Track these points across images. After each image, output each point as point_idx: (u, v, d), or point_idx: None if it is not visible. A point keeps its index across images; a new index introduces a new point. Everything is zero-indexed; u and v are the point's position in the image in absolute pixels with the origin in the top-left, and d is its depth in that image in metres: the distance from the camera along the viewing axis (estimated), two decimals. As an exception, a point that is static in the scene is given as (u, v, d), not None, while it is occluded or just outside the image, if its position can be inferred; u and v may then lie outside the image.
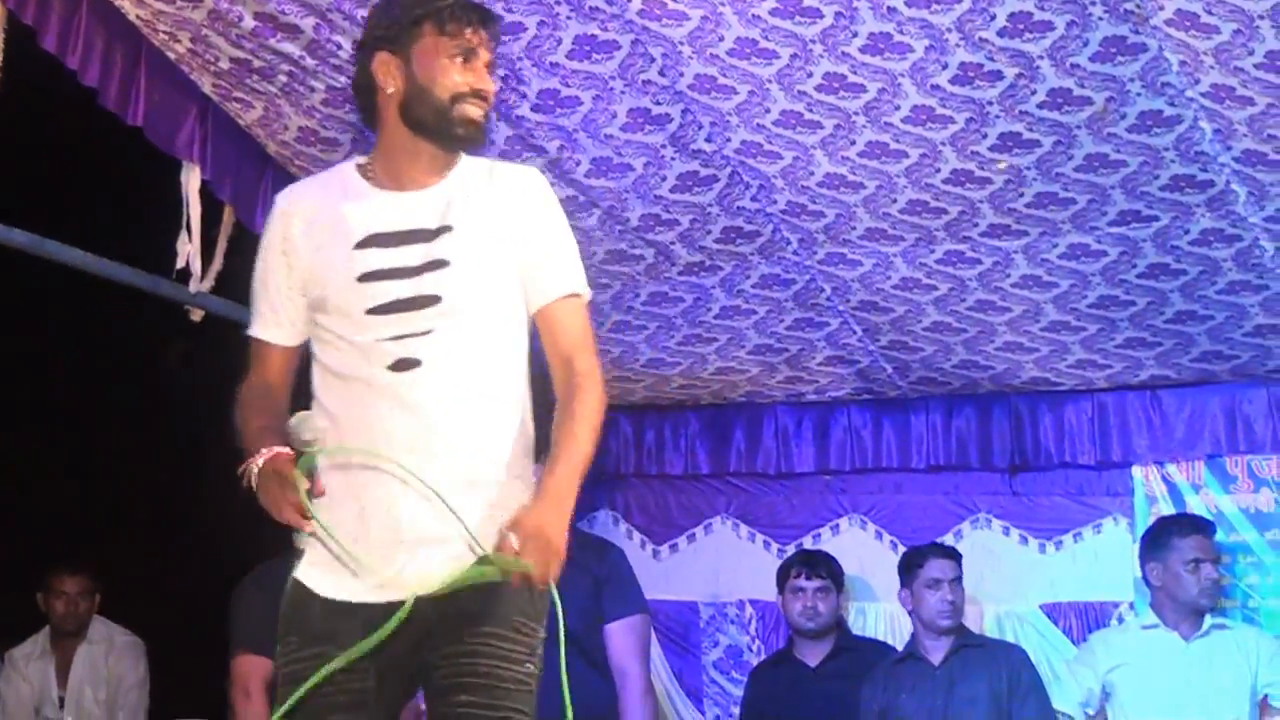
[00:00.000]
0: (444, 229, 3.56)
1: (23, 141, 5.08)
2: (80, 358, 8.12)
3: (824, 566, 6.86)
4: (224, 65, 5.45)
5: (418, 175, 3.63)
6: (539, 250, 3.66)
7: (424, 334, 3.50)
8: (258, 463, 3.40)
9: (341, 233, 3.58)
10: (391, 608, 3.34)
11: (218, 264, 5.82)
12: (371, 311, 3.52)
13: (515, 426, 3.58)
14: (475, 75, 3.59)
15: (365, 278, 3.54)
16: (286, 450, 3.42)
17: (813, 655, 6.81)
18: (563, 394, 3.60)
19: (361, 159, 3.72)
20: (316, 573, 3.51)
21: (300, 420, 3.50)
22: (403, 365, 3.49)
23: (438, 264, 3.53)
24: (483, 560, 3.32)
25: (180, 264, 5.70)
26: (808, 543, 7.40)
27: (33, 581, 7.50)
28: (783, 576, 6.89)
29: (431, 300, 3.51)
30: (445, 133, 3.59)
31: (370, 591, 3.44)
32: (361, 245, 3.56)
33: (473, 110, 3.59)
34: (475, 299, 3.56)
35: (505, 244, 3.61)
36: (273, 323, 3.70)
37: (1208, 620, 6.47)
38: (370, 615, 3.39)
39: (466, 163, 3.69)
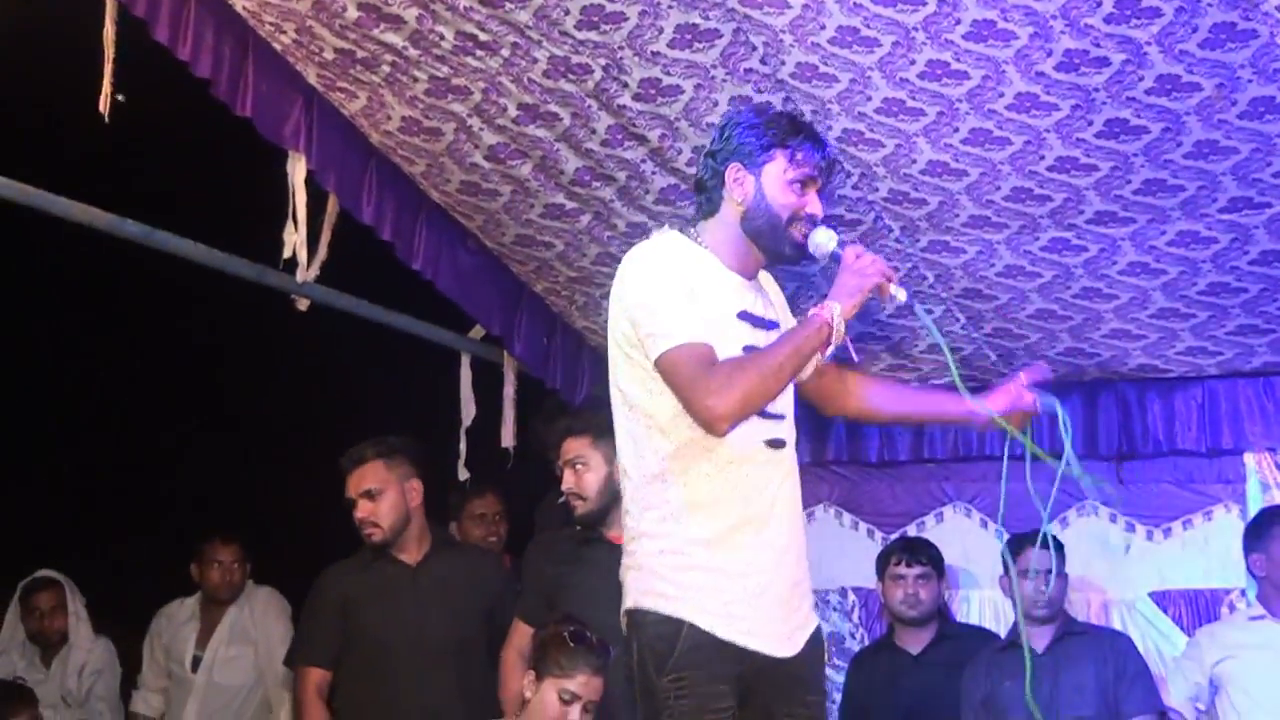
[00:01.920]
0: (775, 323, 4.11)
1: (134, 134, 5.13)
2: (196, 345, 8.22)
3: (924, 553, 6.85)
4: (328, 56, 5.52)
5: (750, 268, 4.13)
6: None
7: (783, 419, 4.07)
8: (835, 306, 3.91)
9: (721, 298, 4.01)
10: (764, 659, 3.94)
11: (323, 253, 5.93)
12: None
13: None
14: (809, 201, 4.07)
15: (748, 349, 3.96)
16: None
17: (915, 643, 6.81)
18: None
19: (690, 235, 4.12)
20: (717, 623, 3.91)
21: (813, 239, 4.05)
22: (775, 444, 4.03)
23: None
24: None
25: (287, 254, 5.81)
26: (911, 531, 7.45)
27: (181, 554, 7.63)
28: (883, 564, 6.88)
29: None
30: (774, 247, 4.09)
31: (767, 646, 3.96)
32: (740, 318, 4.01)
33: (797, 236, 4.06)
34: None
35: None
36: (698, 326, 3.93)
37: (1318, 609, 6.41)
38: (749, 661, 3.93)
39: None
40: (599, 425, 5.08)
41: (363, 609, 5.85)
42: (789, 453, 4.07)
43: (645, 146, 5.75)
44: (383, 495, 5.77)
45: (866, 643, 7.35)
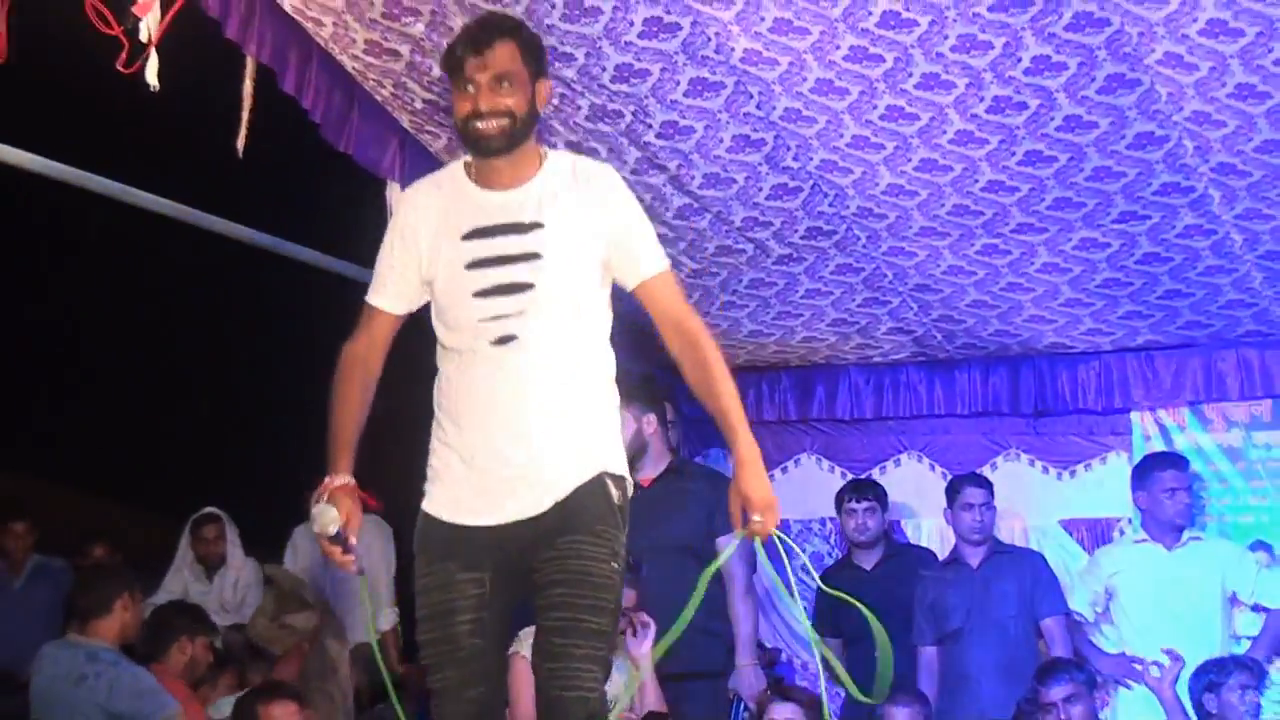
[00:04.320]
0: (536, 225, 3.43)
1: (265, 163, 5.11)
2: (307, 328, 8.20)
3: (870, 491, 6.82)
4: (418, 105, 5.50)
5: (503, 178, 3.48)
6: (625, 239, 3.50)
7: (519, 315, 3.40)
8: (321, 499, 3.41)
9: (452, 225, 3.47)
10: (496, 529, 3.39)
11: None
12: (477, 295, 3.42)
13: (595, 381, 3.49)
14: (471, 100, 3.40)
15: (471, 265, 3.43)
16: (342, 485, 3.44)
17: (868, 560, 6.78)
18: (686, 351, 3.50)
19: (467, 159, 3.54)
20: (440, 507, 3.49)
21: (319, 513, 3.39)
22: (502, 340, 3.41)
23: (532, 256, 3.41)
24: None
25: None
26: (875, 473, 7.39)
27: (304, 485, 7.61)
28: (839, 502, 6.85)
29: (526, 287, 3.40)
30: (472, 149, 3.47)
31: (480, 519, 3.43)
32: (468, 237, 3.44)
33: (475, 129, 3.40)
34: (562, 285, 3.43)
35: (590, 236, 3.46)
36: (384, 292, 3.56)
37: (1186, 534, 6.42)
38: (481, 536, 3.42)
39: (552, 161, 3.53)
40: None
41: None
42: (522, 345, 3.42)
43: (665, 174, 5.72)
44: None
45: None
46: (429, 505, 3.48)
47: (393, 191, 5.69)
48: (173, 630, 5.70)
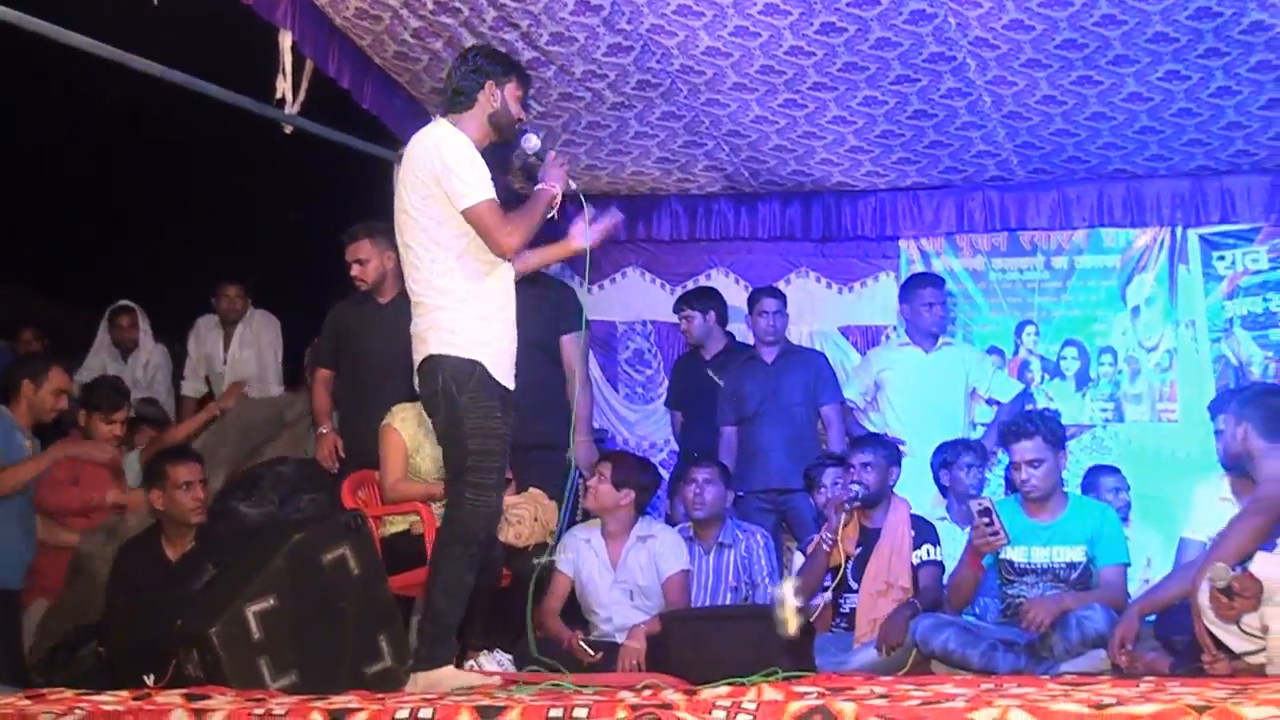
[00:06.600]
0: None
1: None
2: (218, 150, 8.01)
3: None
4: (307, -35, 5.37)
5: (482, 146, 4.17)
6: None
7: None
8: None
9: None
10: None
11: (302, 95, 5.72)
12: None
13: None
14: (522, 114, 4.25)
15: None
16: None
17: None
18: None
19: (453, 124, 4.12)
20: (493, 368, 4.10)
21: (527, 138, 4.35)
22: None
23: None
24: None
25: (278, 96, 5.64)
26: (689, 284, 7.40)
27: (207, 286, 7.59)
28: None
29: None
30: (506, 138, 4.25)
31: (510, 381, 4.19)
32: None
33: (516, 131, 4.27)
34: None
35: None
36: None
37: (940, 340, 6.60)
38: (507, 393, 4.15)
39: None
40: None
41: (350, 331, 5.78)
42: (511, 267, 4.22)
43: (518, 31, 5.64)
44: (369, 263, 5.61)
45: (659, 356, 7.42)
46: (486, 361, 4.08)
47: (284, 38, 5.55)
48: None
